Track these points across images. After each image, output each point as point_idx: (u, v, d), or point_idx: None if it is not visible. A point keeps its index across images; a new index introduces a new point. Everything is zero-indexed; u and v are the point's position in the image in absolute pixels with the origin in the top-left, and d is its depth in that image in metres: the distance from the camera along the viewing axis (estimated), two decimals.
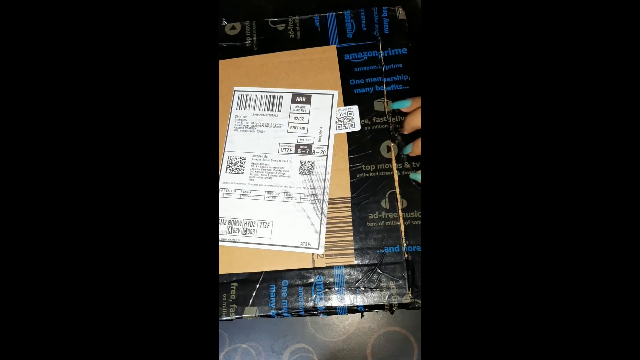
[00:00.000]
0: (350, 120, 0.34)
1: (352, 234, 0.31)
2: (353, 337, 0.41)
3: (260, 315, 0.31)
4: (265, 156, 0.34)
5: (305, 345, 0.41)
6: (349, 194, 0.32)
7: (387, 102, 0.34)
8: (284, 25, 0.37)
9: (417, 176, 0.32)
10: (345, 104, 0.34)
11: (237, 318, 0.31)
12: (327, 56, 0.35)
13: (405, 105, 0.33)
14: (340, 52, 0.35)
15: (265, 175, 0.34)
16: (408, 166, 0.33)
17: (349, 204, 0.32)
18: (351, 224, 0.32)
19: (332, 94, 0.35)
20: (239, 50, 0.37)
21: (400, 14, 0.36)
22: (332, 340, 0.41)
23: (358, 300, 0.30)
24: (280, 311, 0.31)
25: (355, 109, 0.34)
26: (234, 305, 0.31)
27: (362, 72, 0.34)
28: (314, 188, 0.33)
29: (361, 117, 0.34)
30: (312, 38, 0.36)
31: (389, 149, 0.33)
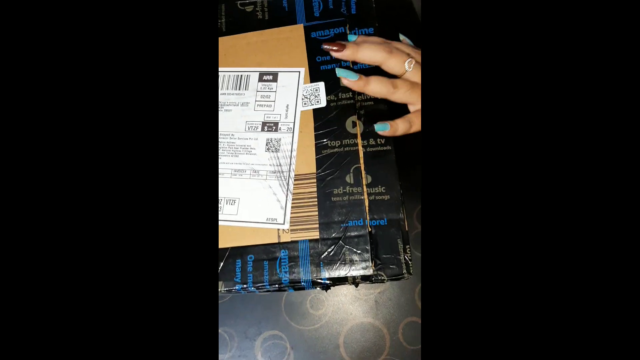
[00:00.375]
0: (316, 96, 0.34)
1: (316, 209, 0.32)
2: (326, 326, 0.41)
3: (226, 290, 0.31)
4: (232, 134, 0.34)
5: (278, 332, 0.41)
6: (314, 170, 0.32)
7: None
8: (252, 6, 0.37)
9: (380, 127, 0.32)
10: (312, 81, 0.34)
11: None
12: (294, 35, 0.36)
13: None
14: (307, 31, 0.35)
15: (232, 153, 0.34)
16: (373, 142, 0.33)
17: (315, 180, 0.32)
18: (316, 199, 0.32)
19: (299, 72, 0.35)
20: None
21: None
22: (305, 328, 0.41)
23: (322, 273, 0.30)
24: (245, 285, 0.31)
25: (321, 85, 0.34)
26: None
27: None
28: (280, 165, 0.33)
29: (327, 93, 0.34)
30: (279, 18, 0.36)
31: (354, 125, 0.33)
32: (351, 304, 0.41)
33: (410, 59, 0.31)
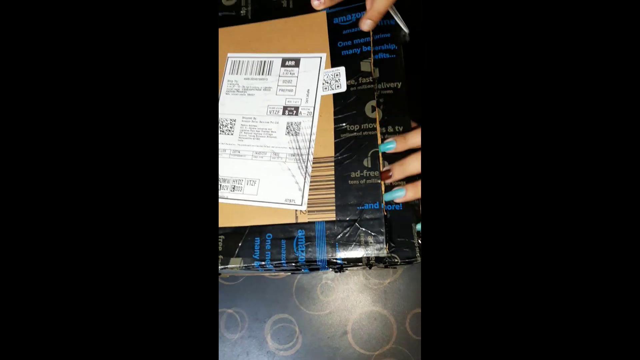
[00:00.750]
0: (337, 81, 0.35)
1: (333, 192, 0.32)
2: (335, 312, 0.42)
3: (245, 267, 0.32)
4: (254, 118, 0.35)
5: (288, 316, 0.42)
6: (332, 154, 0.33)
7: (373, 68, 0.35)
8: None
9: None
10: (333, 66, 0.35)
11: (222, 269, 0.32)
12: (317, 21, 0.36)
13: (390, 147, 0.32)
14: (330, 17, 0.36)
15: (254, 136, 0.35)
16: (392, 129, 0.33)
17: (332, 163, 0.33)
18: (333, 182, 0.33)
19: (320, 57, 0.35)
20: (234, 19, 0.38)
21: None
22: (315, 313, 0.42)
23: (337, 254, 0.31)
24: (263, 263, 0.32)
25: (342, 70, 0.35)
26: (221, 256, 0.32)
27: (350, 34, 0.35)
28: (300, 148, 0.34)
29: (347, 78, 0.34)
30: (304, 6, 0.37)
31: (373, 109, 0.34)
32: (360, 292, 0.42)
33: None
